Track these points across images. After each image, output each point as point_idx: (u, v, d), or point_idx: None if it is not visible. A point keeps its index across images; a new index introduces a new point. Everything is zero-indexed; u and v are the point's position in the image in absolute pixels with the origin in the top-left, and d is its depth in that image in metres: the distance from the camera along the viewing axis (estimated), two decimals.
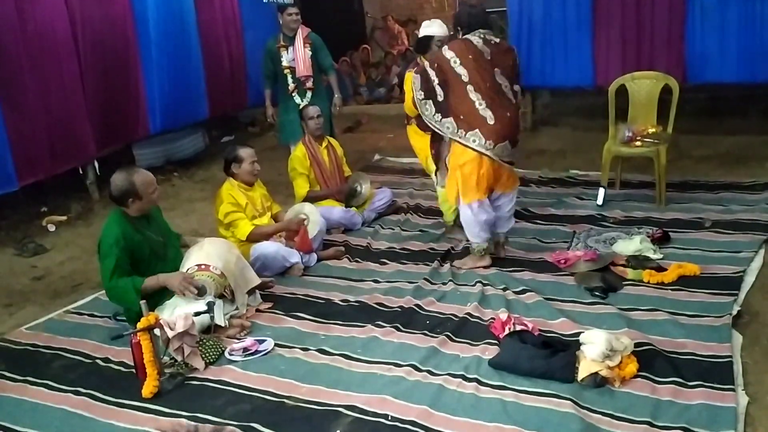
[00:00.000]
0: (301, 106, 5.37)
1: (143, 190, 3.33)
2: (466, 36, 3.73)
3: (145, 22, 6.25)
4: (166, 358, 3.03)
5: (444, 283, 3.75)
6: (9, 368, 3.20)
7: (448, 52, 3.68)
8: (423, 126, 4.19)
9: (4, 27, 4.93)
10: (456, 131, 3.71)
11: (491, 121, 3.64)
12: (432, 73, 3.71)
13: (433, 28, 4.25)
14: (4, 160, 4.96)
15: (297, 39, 5.46)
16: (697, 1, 5.92)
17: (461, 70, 3.65)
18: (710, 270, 3.57)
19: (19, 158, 5.08)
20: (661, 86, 4.83)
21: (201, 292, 3.29)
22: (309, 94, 5.54)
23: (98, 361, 3.22)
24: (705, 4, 5.90)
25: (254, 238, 4.05)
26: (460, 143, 3.71)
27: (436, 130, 3.82)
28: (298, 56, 5.45)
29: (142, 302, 2.98)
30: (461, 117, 3.69)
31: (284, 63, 5.52)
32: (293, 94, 5.55)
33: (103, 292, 3.59)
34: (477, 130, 3.65)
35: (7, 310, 4.00)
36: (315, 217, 4.32)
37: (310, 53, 5.49)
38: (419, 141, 4.54)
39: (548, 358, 2.76)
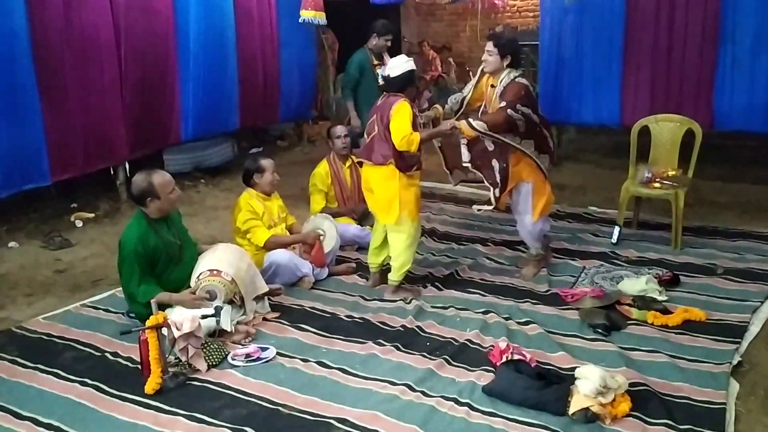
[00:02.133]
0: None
1: (161, 191, 3.48)
2: (522, 80, 3.97)
3: (186, 34, 6.47)
4: (171, 358, 3.13)
5: (445, 308, 3.80)
6: (22, 355, 3.34)
7: (523, 108, 3.88)
8: (406, 166, 3.87)
9: (51, 29, 5.16)
10: (533, 150, 4.09)
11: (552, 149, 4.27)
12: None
13: (411, 62, 4.01)
14: (39, 155, 5.17)
15: (386, 58, 5.53)
16: (729, 50, 5.92)
17: (534, 117, 4.02)
18: (716, 316, 3.56)
19: (54, 155, 5.28)
20: (684, 130, 4.84)
21: (211, 296, 3.41)
22: None
23: (107, 354, 3.34)
24: (736, 53, 5.90)
25: (270, 246, 4.15)
26: (536, 162, 4.07)
27: (517, 148, 4.01)
28: None
29: (152, 301, 3.10)
30: (536, 143, 4.12)
31: (381, 81, 5.61)
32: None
33: (120, 288, 3.73)
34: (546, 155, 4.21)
35: (27, 299, 4.15)
36: (331, 233, 4.40)
37: None
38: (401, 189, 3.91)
39: (541, 389, 2.79)
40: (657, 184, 4.73)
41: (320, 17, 6.06)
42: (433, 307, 3.82)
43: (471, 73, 8.48)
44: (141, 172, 3.55)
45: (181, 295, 3.44)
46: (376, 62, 5.66)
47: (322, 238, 4.31)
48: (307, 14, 6.00)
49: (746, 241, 4.78)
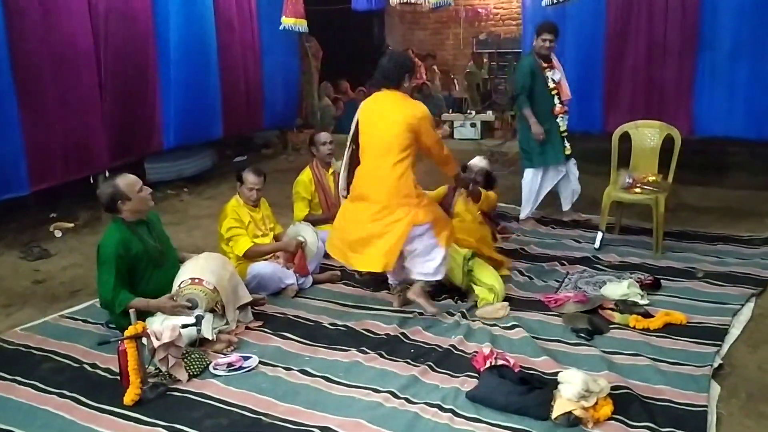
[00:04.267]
0: (562, 128, 5.31)
1: (128, 190, 3.46)
2: None
3: (166, 41, 6.47)
4: (151, 368, 3.08)
5: (432, 315, 3.77)
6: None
7: None
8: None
9: (30, 36, 5.12)
10: None
11: None
12: None
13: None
14: (17, 164, 5.12)
15: (555, 61, 5.34)
16: (708, 57, 6.01)
17: None
18: (696, 320, 3.58)
19: (33, 164, 5.24)
20: (664, 135, 4.89)
21: (192, 305, 3.37)
22: (566, 117, 5.40)
23: (86, 365, 3.28)
24: (715, 60, 5.99)
25: (251, 255, 4.13)
26: None
27: None
28: (563, 79, 5.36)
29: (131, 311, 3.06)
30: None
31: (551, 84, 5.33)
32: (559, 116, 5.36)
33: None
34: None
35: (6, 310, 4.08)
36: (312, 240, 4.38)
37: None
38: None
39: (524, 394, 2.78)
40: (638, 190, 4.77)
41: (301, 24, 6.06)
42: (418, 314, 3.81)
43: (455, 81, 8.42)
44: (103, 182, 3.54)
45: (159, 301, 3.40)
46: (544, 65, 5.36)
47: (303, 245, 4.29)
48: (287, 21, 6.00)
49: (727, 245, 4.83)
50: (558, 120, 5.36)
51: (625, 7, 6.28)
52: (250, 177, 4.27)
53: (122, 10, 5.99)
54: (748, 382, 3.00)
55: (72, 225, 5.72)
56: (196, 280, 3.46)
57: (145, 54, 6.30)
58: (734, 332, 3.46)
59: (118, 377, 3.06)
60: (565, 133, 5.37)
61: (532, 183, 5.51)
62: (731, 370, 3.10)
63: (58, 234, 5.53)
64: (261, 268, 4.13)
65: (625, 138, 5.05)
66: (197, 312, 3.32)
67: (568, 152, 5.36)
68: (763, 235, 4.98)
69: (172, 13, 6.46)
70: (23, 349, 3.48)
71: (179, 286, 3.45)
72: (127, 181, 3.52)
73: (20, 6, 5.03)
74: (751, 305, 3.78)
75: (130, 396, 2.90)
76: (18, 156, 5.10)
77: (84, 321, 3.83)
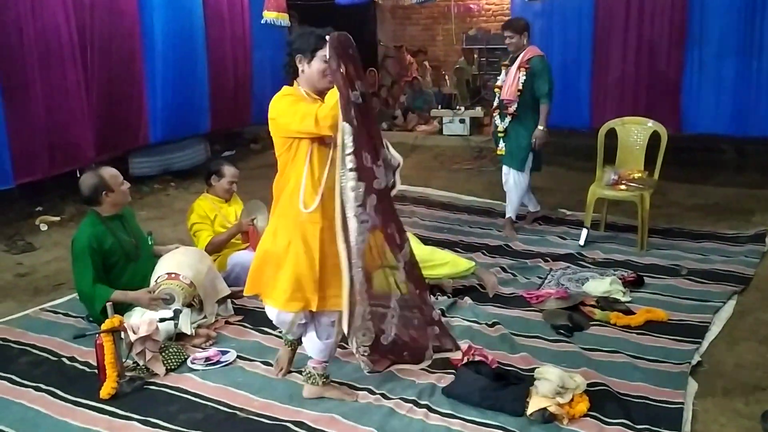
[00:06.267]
0: (498, 128, 5.13)
1: (113, 182, 3.47)
2: None
3: (152, 35, 6.44)
4: (128, 362, 3.07)
5: None
6: None
7: None
8: None
9: (13, 29, 5.09)
10: None
11: None
12: None
13: None
14: (2, 157, 5.10)
15: (519, 59, 4.97)
16: (696, 54, 6.03)
17: None
18: (678, 317, 3.58)
19: (18, 157, 5.20)
20: (650, 132, 4.89)
21: (169, 300, 3.36)
22: (509, 119, 5.05)
23: (64, 359, 3.27)
24: (703, 57, 6.00)
25: (211, 248, 4.09)
26: None
27: None
28: (509, 78, 5.03)
29: (108, 304, 3.05)
30: None
31: (498, 82, 5.23)
32: (494, 114, 5.23)
33: None
34: None
35: None
36: (263, 216, 4.20)
37: (524, 78, 4.92)
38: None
39: (499, 390, 2.78)
40: (623, 186, 4.76)
41: (283, 18, 6.04)
42: None
43: (446, 77, 8.26)
44: (85, 173, 3.55)
45: (136, 293, 3.40)
46: (505, 63, 5.18)
47: (255, 222, 4.19)
48: (269, 15, 5.98)
49: (711, 243, 4.83)
50: (495, 118, 5.22)
51: (613, 3, 6.28)
52: (231, 170, 4.26)
53: (107, 2, 5.95)
54: (725, 378, 3.00)
55: (58, 219, 5.69)
56: (173, 275, 3.45)
57: (131, 47, 6.27)
58: (714, 330, 3.46)
59: (96, 371, 3.05)
60: (502, 134, 5.12)
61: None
62: (710, 367, 3.10)
63: (43, 228, 5.50)
64: (240, 257, 4.09)
65: (612, 134, 5.04)
66: (174, 306, 3.31)
67: (500, 152, 5.16)
68: (748, 232, 4.98)
69: (158, 5, 6.43)
70: (1, 342, 3.46)
71: (156, 281, 3.44)
72: (111, 172, 3.54)
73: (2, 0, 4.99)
74: (732, 303, 3.77)
75: (106, 390, 2.89)
76: (2, 149, 5.08)
77: (65, 314, 3.81)
